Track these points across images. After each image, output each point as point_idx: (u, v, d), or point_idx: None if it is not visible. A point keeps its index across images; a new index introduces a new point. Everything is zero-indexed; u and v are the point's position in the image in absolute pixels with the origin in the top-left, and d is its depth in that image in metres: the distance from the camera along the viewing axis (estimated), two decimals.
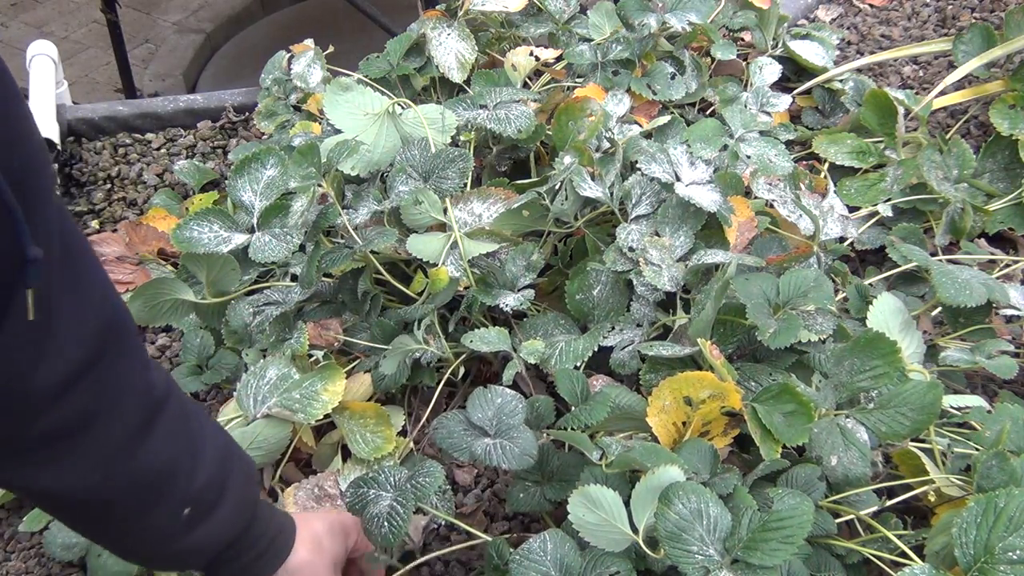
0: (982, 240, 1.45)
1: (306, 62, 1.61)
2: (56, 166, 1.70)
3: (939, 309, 1.27)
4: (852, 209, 1.43)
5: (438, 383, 1.18)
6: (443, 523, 1.11)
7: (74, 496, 0.71)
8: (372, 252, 1.19)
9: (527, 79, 1.53)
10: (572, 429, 0.99)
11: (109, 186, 1.74)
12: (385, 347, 1.17)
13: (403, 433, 1.18)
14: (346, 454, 1.14)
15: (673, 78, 1.55)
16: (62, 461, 0.69)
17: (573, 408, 1.02)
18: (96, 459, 0.70)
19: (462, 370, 1.19)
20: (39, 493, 0.72)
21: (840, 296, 1.26)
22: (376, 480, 0.99)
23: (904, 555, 0.92)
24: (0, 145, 0.56)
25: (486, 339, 1.11)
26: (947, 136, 1.55)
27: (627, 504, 0.89)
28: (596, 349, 1.12)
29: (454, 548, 1.08)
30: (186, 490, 0.76)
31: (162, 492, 0.75)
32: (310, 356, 1.18)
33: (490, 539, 0.99)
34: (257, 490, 0.86)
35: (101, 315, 0.68)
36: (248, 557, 0.84)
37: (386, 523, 0.95)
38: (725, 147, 1.44)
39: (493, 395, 1.02)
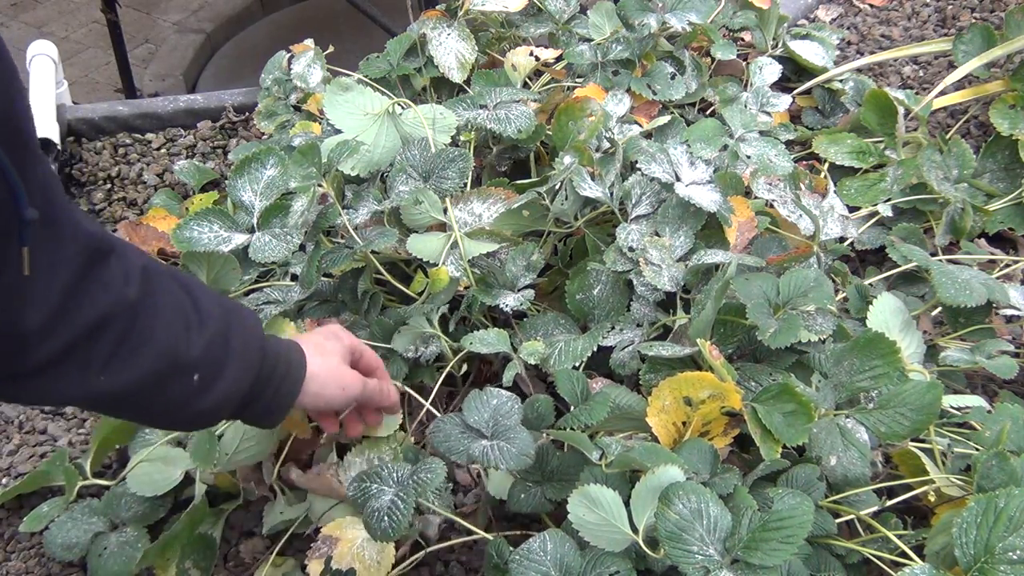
0: (982, 240, 1.45)
1: (306, 62, 1.61)
2: (56, 166, 1.70)
3: (939, 309, 1.27)
4: (852, 209, 1.43)
5: (437, 382, 1.17)
6: (443, 523, 1.11)
7: (83, 401, 0.79)
8: (372, 252, 1.19)
9: (527, 79, 1.53)
10: (572, 429, 0.99)
11: (109, 186, 1.74)
12: (386, 345, 1.17)
13: (403, 429, 1.18)
14: (342, 450, 1.14)
15: (673, 78, 1.55)
16: (62, 380, 0.74)
17: (573, 408, 1.02)
18: (93, 370, 0.75)
19: (464, 367, 1.19)
20: (51, 402, 0.81)
21: (840, 296, 1.26)
22: (379, 475, 1.00)
23: (904, 555, 0.92)
24: None
25: (485, 340, 1.11)
26: (947, 136, 1.56)
27: (627, 504, 0.89)
28: (595, 349, 1.12)
29: (456, 542, 1.08)
30: (189, 360, 0.81)
31: (167, 372, 0.80)
32: None
33: (491, 538, 0.99)
34: (260, 335, 0.91)
35: (76, 249, 0.72)
36: (270, 392, 0.91)
37: (386, 517, 0.95)
38: (725, 147, 1.44)
39: (489, 397, 1.02)
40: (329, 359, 0.98)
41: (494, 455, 0.97)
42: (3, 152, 0.60)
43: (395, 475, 1.00)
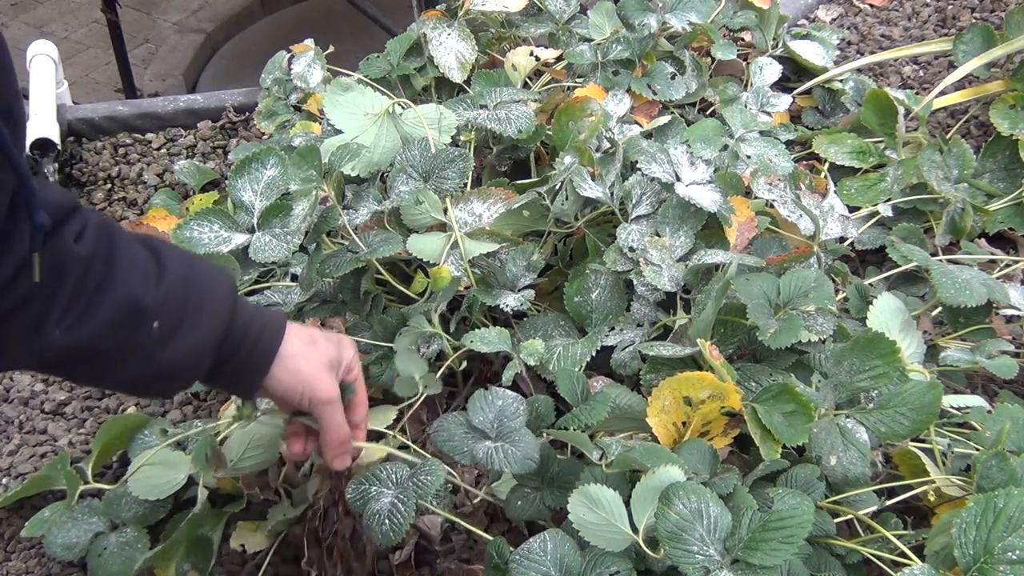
0: (982, 240, 1.45)
1: (306, 62, 1.61)
2: (56, 166, 1.70)
3: (939, 309, 1.27)
4: (852, 209, 1.43)
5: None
6: (444, 523, 1.11)
7: (45, 358, 0.77)
8: None
9: (527, 79, 1.53)
10: (572, 429, 0.99)
11: (109, 186, 1.74)
12: (387, 344, 1.17)
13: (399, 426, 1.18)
14: None
15: (673, 78, 1.55)
16: (14, 340, 0.74)
17: (574, 408, 1.02)
18: (48, 326, 0.75)
19: (463, 363, 1.19)
20: (22, 362, 0.78)
21: (840, 296, 1.26)
22: (378, 478, 0.99)
23: (904, 555, 0.92)
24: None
25: (486, 339, 1.11)
26: (947, 136, 1.56)
27: (627, 504, 0.89)
28: (594, 353, 1.13)
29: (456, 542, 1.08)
30: (146, 306, 0.80)
31: (124, 319, 0.79)
32: None
33: (491, 539, 0.99)
34: (231, 291, 0.88)
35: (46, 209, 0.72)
36: (243, 352, 0.88)
37: (387, 520, 0.94)
38: (725, 147, 1.44)
39: (494, 397, 1.02)
40: (312, 352, 0.93)
41: (498, 458, 0.96)
42: (17, 155, 0.61)
43: (394, 477, 0.99)
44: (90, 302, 0.77)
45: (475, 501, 1.12)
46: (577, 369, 1.11)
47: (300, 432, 0.99)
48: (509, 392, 1.02)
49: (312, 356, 0.93)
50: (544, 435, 1.03)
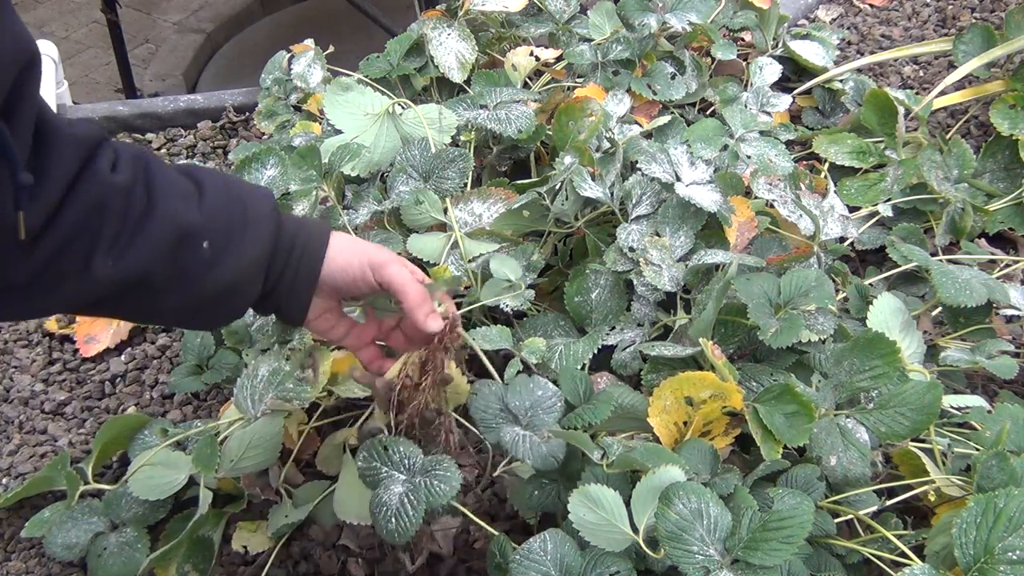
0: (982, 240, 1.45)
1: (306, 62, 1.61)
2: None
3: (939, 309, 1.27)
4: (852, 209, 1.43)
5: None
6: (459, 530, 1.11)
7: (98, 296, 0.77)
8: None
9: (527, 79, 1.53)
10: (576, 428, 0.99)
11: None
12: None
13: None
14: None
15: (673, 78, 1.55)
16: (67, 276, 0.74)
17: (577, 407, 1.02)
18: (98, 258, 0.75)
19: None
20: (60, 304, 0.78)
21: (840, 296, 1.25)
22: (390, 457, 0.97)
23: (904, 555, 0.92)
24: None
25: (488, 337, 1.11)
26: (947, 136, 1.56)
27: (627, 504, 0.89)
28: (595, 352, 1.12)
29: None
30: (193, 225, 0.79)
31: (173, 242, 0.78)
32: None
33: (495, 535, 0.98)
34: (271, 203, 0.87)
35: (69, 151, 0.73)
36: (292, 265, 0.87)
37: (394, 519, 0.93)
38: (725, 147, 1.44)
39: (535, 385, 1.00)
40: (356, 241, 0.92)
41: (523, 447, 0.95)
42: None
43: (406, 460, 0.96)
44: (136, 230, 0.76)
45: (482, 492, 1.12)
46: (579, 367, 1.11)
47: (375, 353, 0.98)
48: (551, 384, 1.01)
49: (359, 242, 0.92)
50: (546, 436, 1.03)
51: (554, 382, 1.08)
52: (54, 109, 1.71)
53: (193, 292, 0.82)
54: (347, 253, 0.90)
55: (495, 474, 1.10)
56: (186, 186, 0.81)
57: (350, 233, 1.19)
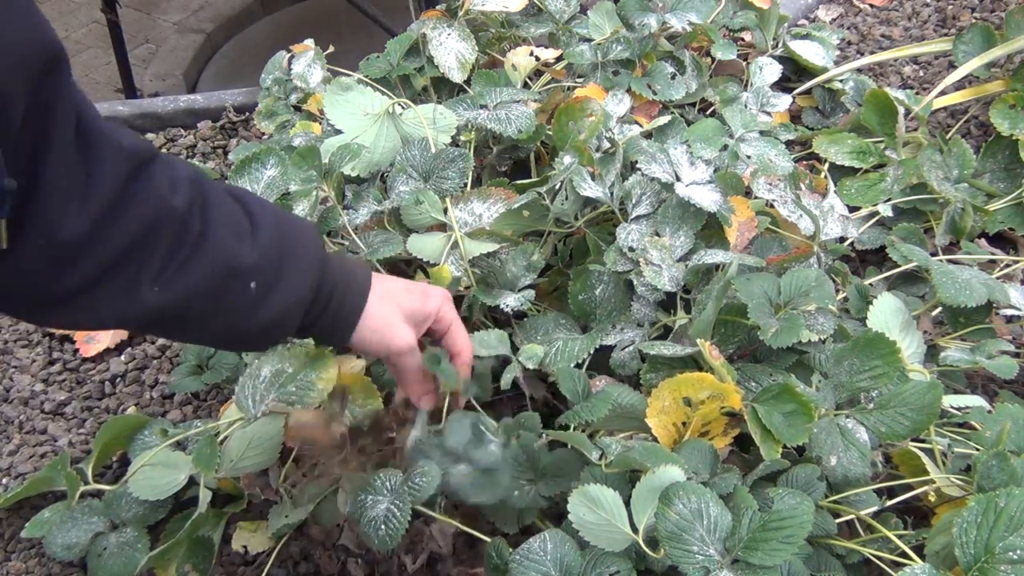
0: (982, 240, 1.45)
1: (306, 62, 1.61)
2: None
3: (939, 309, 1.27)
4: (852, 209, 1.43)
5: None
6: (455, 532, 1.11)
7: (138, 318, 0.76)
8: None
9: (527, 79, 1.53)
10: (573, 427, 0.99)
11: None
12: None
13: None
14: None
15: (673, 78, 1.55)
16: (112, 295, 0.73)
17: (574, 406, 1.02)
18: (145, 282, 0.73)
19: None
20: (103, 321, 0.76)
21: (840, 296, 1.25)
22: (372, 485, 0.99)
23: (904, 555, 0.92)
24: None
25: (485, 342, 1.11)
26: (947, 136, 1.55)
27: (627, 504, 0.89)
28: (594, 350, 1.12)
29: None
30: (244, 266, 0.79)
31: (221, 280, 0.78)
32: None
33: (489, 540, 0.99)
34: (318, 244, 0.88)
35: (116, 162, 0.71)
36: (335, 303, 0.88)
37: (383, 525, 0.95)
38: (725, 147, 1.44)
39: (467, 420, 1.01)
40: (392, 307, 0.93)
41: (469, 488, 0.97)
42: None
43: (388, 484, 0.99)
44: (186, 260, 0.75)
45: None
46: (574, 365, 1.10)
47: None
48: (483, 416, 1.02)
49: (390, 312, 0.93)
50: (543, 436, 1.03)
51: (553, 382, 1.08)
52: None
53: (233, 327, 0.82)
54: (376, 323, 0.92)
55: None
56: (240, 221, 0.81)
57: (351, 233, 1.19)
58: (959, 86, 1.65)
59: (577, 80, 1.55)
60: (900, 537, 0.94)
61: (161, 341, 1.45)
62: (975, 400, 1.12)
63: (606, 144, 1.35)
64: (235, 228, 0.79)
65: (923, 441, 1.03)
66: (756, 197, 1.29)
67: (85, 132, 0.70)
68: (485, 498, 0.96)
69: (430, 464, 0.99)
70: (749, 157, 1.43)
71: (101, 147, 0.71)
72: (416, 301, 0.96)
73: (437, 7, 1.58)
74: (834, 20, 1.99)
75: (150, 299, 0.74)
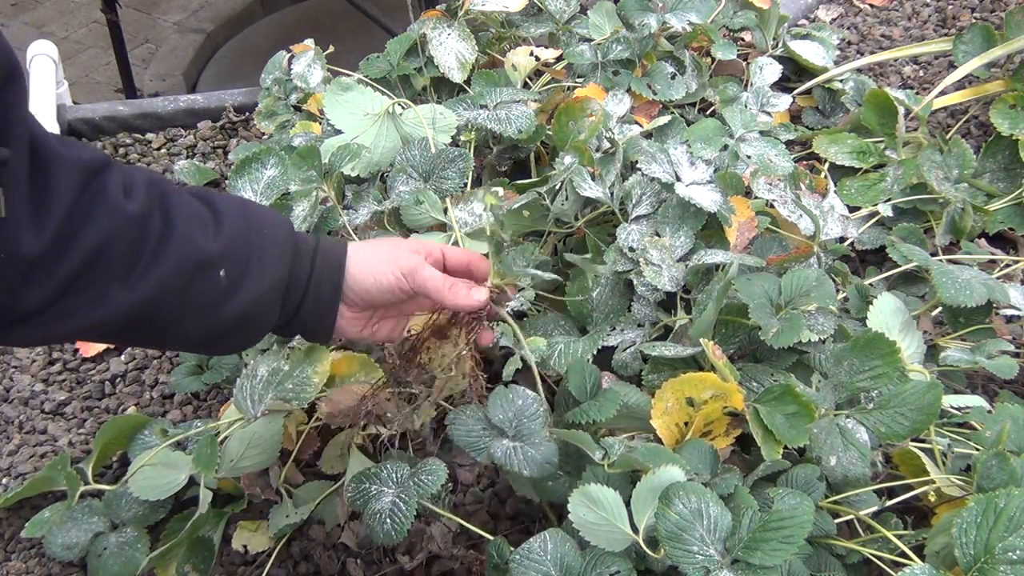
0: (982, 240, 1.45)
1: (306, 62, 1.61)
2: None
3: (939, 309, 1.27)
4: (852, 209, 1.43)
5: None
6: (455, 531, 1.11)
7: (111, 323, 0.75)
8: None
9: (527, 79, 1.53)
10: (581, 424, 0.99)
11: None
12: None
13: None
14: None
15: (673, 78, 1.55)
16: (80, 305, 0.72)
17: (583, 403, 1.02)
18: (113, 287, 0.73)
19: None
20: (72, 332, 0.75)
21: (840, 296, 1.25)
22: (378, 476, 0.99)
23: (904, 555, 0.92)
24: None
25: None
26: (947, 136, 1.55)
27: (628, 504, 0.89)
28: (596, 352, 1.12)
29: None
30: (209, 255, 0.78)
31: (188, 271, 0.77)
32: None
33: (491, 538, 0.99)
34: (289, 230, 0.86)
35: (68, 174, 0.71)
36: (312, 288, 0.86)
37: (388, 520, 0.94)
38: (725, 147, 1.44)
39: (514, 395, 1.00)
40: (376, 247, 0.90)
41: (517, 459, 0.94)
42: None
43: (394, 476, 0.99)
44: (151, 260, 0.75)
45: (483, 491, 1.11)
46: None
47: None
48: (529, 391, 1.00)
49: (379, 249, 0.90)
50: (548, 434, 1.03)
51: (556, 381, 1.08)
52: (54, 109, 1.72)
53: (209, 321, 0.81)
54: (374, 266, 0.89)
55: (484, 492, 1.10)
56: (202, 213, 0.80)
57: (351, 235, 1.19)
58: (959, 86, 1.65)
59: (577, 80, 1.55)
60: (900, 537, 0.94)
61: None
62: (975, 400, 1.12)
63: (606, 144, 1.35)
64: (197, 220, 0.79)
65: (923, 441, 1.03)
66: (756, 197, 1.30)
67: (38, 147, 0.70)
68: (535, 471, 0.94)
69: (436, 462, 0.98)
70: (749, 157, 1.44)
71: (52, 161, 0.71)
72: (402, 241, 0.93)
73: (437, 7, 1.58)
74: (834, 20, 1.99)
75: (120, 302, 0.73)
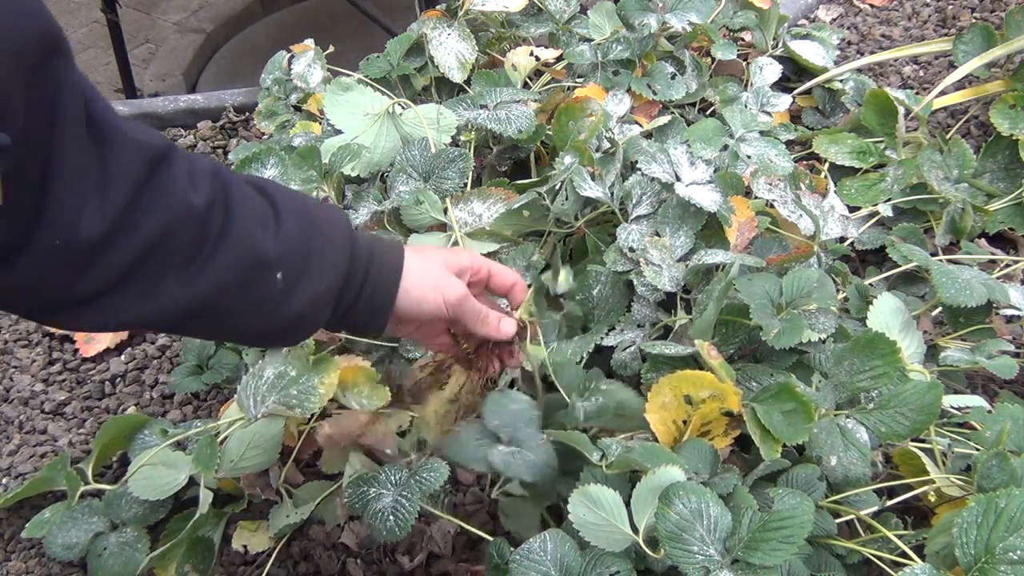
0: (982, 240, 1.45)
1: (306, 62, 1.61)
2: None
3: (939, 309, 1.27)
4: (852, 209, 1.43)
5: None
6: (455, 532, 1.11)
7: (167, 315, 0.73)
8: None
9: (527, 79, 1.53)
10: (574, 426, 0.99)
11: None
12: (389, 344, 1.17)
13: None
14: None
15: (673, 78, 1.55)
16: (136, 294, 0.70)
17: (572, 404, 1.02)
18: (169, 279, 0.71)
19: None
20: (128, 321, 0.73)
21: (840, 296, 1.25)
22: (376, 479, 0.99)
23: (904, 555, 0.92)
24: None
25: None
26: (947, 136, 1.55)
27: (627, 504, 0.89)
28: (591, 350, 1.12)
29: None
30: (269, 257, 0.76)
31: (246, 272, 0.75)
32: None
33: (491, 539, 0.99)
34: (346, 230, 0.85)
35: (132, 158, 0.69)
36: (367, 290, 0.85)
37: (391, 516, 0.94)
38: (725, 147, 1.44)
39: (508, 400, 0.99)
40: (427, 263, 0.90)
41: (516, 464, 0.94)
42: None
43: (393, 478, 0.99)
44: (211, 255, 0.73)
45: (487, 494, 1.11)
46: (579, 362, 1.10)
47: (448, 342, 0.98)
48: (523, 396, 1.00)
49: (430, 268, 0.90)
50: (543, 436, 1.03)
51: (553, 384, 1.07)
52: None
53: (263, 320, 0.79)
54: (422, 289, 0.88)
55: (493, 495, 1.10)
56: (263, 210, 0.78)
57: None
58: (959, 86, 1.65)
59: (577, 80, 1.55)
60: (900, 537, 0.94)
61: (161, 341, 1.45)
62: (975, 400, 1.12)
63: (606, 144, 1.35)
64: (258, 218, 0.77)
65: (923, 441, 1.03)
66: (756, 197, 1.30)
67: (97, 125, 0.67)
68: (535, 475, 0.94)
69: (437, 461, 0.99)
70: (749, 157, 1.44)
71: (115, 142, 0.68)
72: (451, 255, 0.93)
73: (437, 7, 1.58)
74: (834, 20, 1.99)
75: (176, 297, 0.72)
